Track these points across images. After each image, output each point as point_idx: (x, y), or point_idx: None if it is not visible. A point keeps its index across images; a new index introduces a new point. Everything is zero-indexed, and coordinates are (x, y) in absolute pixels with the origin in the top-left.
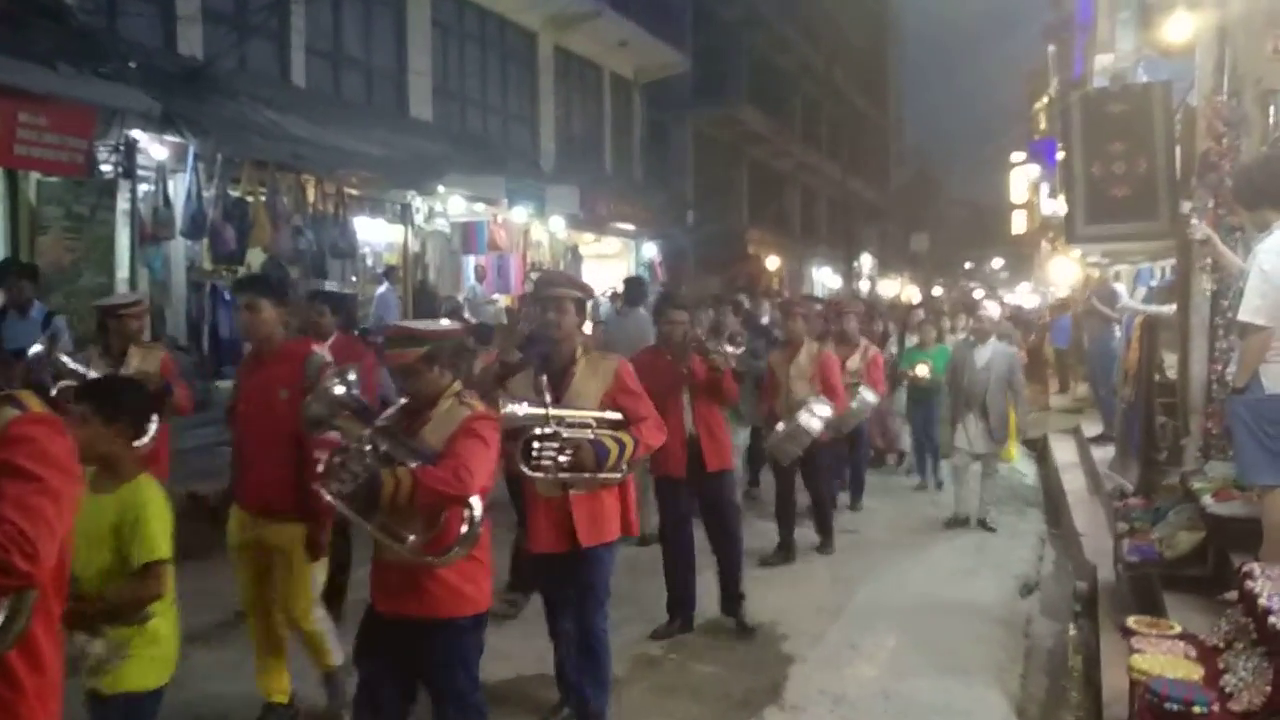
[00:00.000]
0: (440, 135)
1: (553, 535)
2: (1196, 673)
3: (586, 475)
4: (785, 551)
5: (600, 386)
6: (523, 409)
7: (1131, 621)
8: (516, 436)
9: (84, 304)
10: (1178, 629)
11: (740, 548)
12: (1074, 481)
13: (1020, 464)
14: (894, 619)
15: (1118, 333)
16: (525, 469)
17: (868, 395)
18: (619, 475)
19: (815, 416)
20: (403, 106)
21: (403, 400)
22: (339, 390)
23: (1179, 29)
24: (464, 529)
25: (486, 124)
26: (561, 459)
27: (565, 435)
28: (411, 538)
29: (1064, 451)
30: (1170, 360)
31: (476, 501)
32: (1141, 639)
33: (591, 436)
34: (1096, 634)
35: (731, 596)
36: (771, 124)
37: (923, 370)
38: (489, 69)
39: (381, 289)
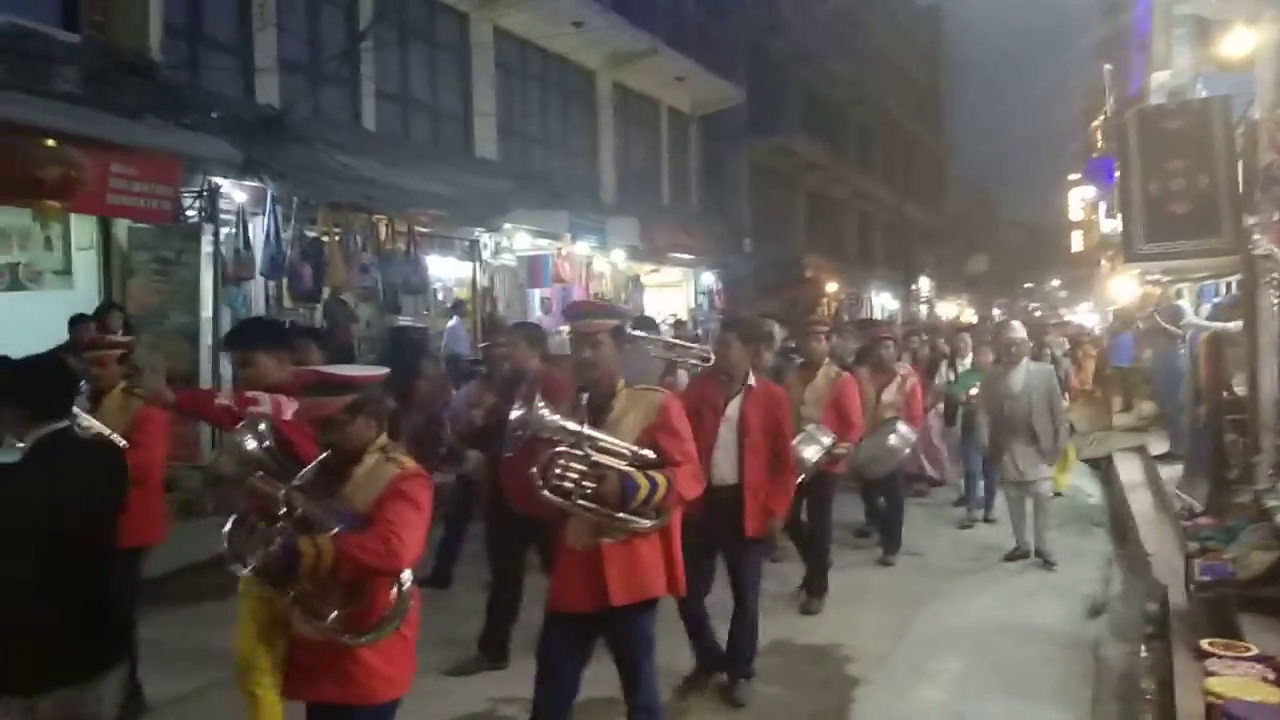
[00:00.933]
0: (505, 173)
1: (581, 592)
2: (1276, 696)
3: (613, 515)
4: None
5: (640, 421)
6: (553, 415)
7: (1207, 643)
8: (539, 452)
9: (171, 344)
10: (1255, 651)
11: (749, 621)
12: (1141, 501)
13: (1084, 483)
14: (959, 640)
15: (1183, 350)
16: (542, 489)
17: (904, 430)
18: (645, 523)
19: (813, 444)
20: (469, 146)
21: (322, 455)
22: (250, 445)
23: (1238, 44)
24: (392, 602)
25: (549, 161)
26: (585, 484)
27: (594, 458)
28: (333, 614)
29: (1129, 470)
30: (1239, 377)
31: (407, 572)
32: (1217, 661)
33: (622, 468)
34: (1169, 656)
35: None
36: (826, 152)
37: (976, 391)
38: (550, 107)
39: (452, 323)
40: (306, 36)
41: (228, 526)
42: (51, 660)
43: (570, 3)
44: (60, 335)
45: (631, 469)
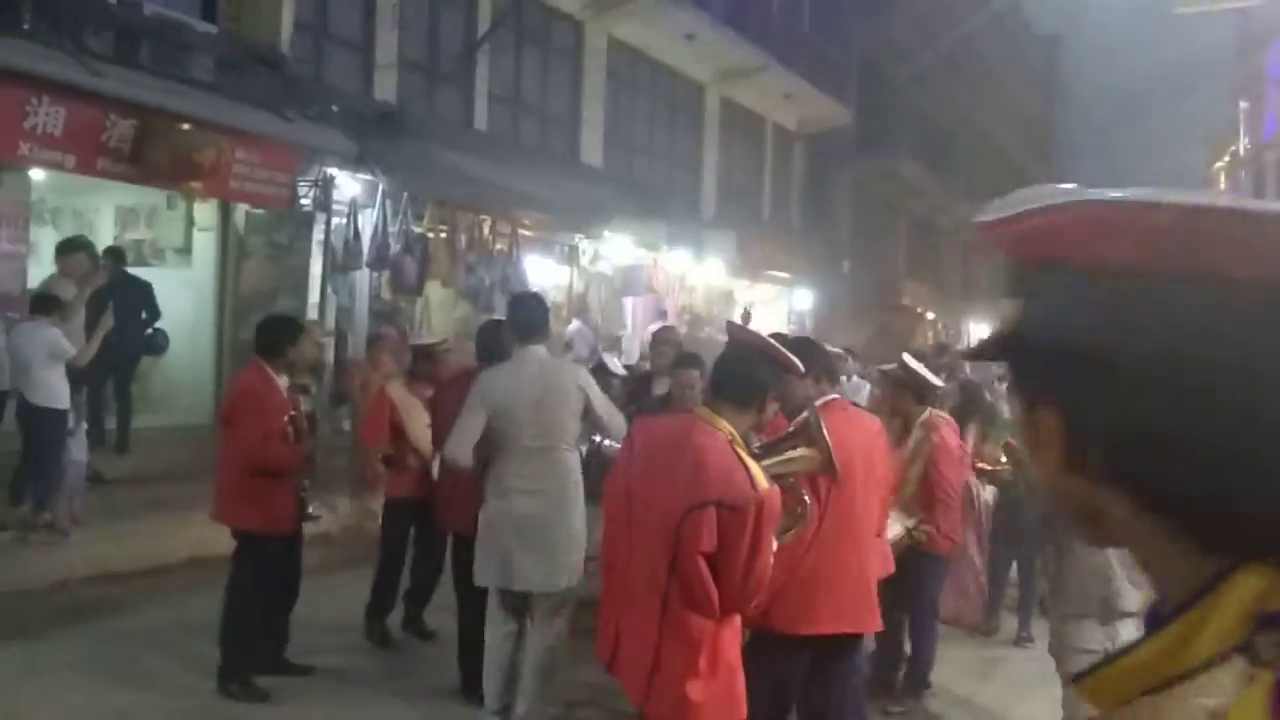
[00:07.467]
0: (608, 181)
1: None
2: None
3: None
4: None
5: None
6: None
7: None
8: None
9: None
10: None
11: None
12: None
13: None
14: (1047, 686)
15: None
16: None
17: None
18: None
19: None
20: (575, 152)
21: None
22: None
23: None
24: None
25: (651, 171)
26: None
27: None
28: None
29: None
30: None
31: None
32: None
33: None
34: None
35: None
36: (932, 179)
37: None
38: (657, 118)
39: (576, 325)
40: (426, 37)
41: None
42: None
43: (684, 16)
44: (176, 311)
45: None
